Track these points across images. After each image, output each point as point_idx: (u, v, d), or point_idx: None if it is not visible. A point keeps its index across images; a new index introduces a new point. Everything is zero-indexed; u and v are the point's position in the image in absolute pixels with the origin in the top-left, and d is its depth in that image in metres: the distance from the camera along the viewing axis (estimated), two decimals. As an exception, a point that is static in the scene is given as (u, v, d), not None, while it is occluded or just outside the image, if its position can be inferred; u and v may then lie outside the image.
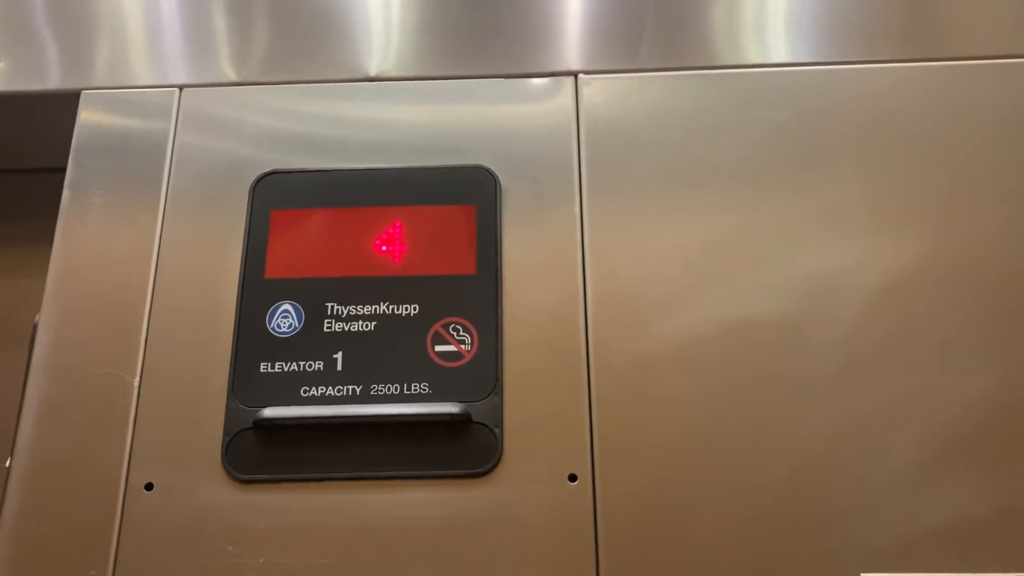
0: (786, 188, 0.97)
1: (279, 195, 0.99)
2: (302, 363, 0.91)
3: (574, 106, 1.02)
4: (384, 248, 0.96)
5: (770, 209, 0.97)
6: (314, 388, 0.90)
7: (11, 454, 0.90)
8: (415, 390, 0.90)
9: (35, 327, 0.95)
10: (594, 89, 1.03)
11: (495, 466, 0.87)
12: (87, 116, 1.05)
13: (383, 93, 1.06)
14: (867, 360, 0.90)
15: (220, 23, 1.14)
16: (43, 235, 1.01)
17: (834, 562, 0.83)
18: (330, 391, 0.90)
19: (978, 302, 0.92)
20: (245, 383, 0.90)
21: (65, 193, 1.01)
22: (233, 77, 1.08)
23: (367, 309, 0.93)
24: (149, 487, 0.88)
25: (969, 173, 0.98)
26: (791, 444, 0.87)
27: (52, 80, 1.09)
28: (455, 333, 0.92)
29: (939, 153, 0.99)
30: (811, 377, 0.89)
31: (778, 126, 1.00)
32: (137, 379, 0.92)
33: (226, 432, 0.89)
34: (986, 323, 0.91)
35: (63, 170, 1.02)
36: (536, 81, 1.04)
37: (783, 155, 0.99)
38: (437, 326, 0.92)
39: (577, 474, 0.87)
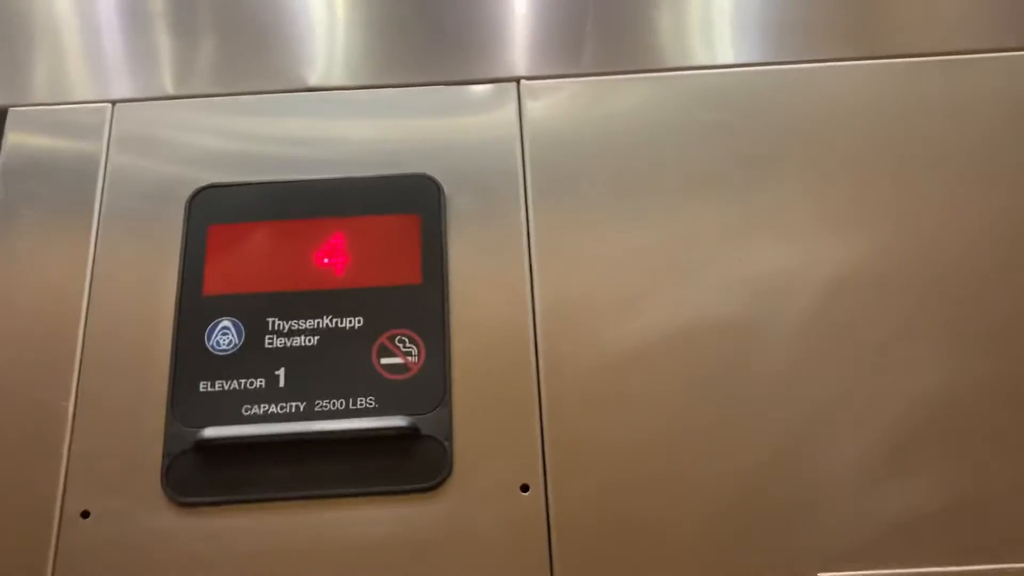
0: (732, 189, 0.97)
1: (217, 210, 0.96)
2: (243, 381, 0.89)
3: (517, 112, 1.01)
4: (326, 260, 0.94)
5: (716, 211, 0.96)
6: (256, 406, 0.88)
7: (-61, 485, 0.86)
8: (361, 404, 0.88)
9: (-36, 352, 0.92)
10: (537, 94, 1.02)
11: (445, 479, 0.85)
12: (15, 135, 1.02)
13: (323, 104, 1.04)
14: (817, 358, 0.89)
15: (158, 36, 1.12)
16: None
17: (792, 562, 0.82)
18: (273, 408, 0.88)
19: (924, 298, 0.92)
20: (184, 403, 0.87)
21: (-8, 212, 0.97)
22: (169, 91, 1.05)
23: (309, 323, 0.91)
24: (85, 515, 0.84)
25: (912, 171, 0.98)
26: (745, 445, 0.86)
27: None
28: (401, 345, 0.90)
29: (882, 152, 0.99)
30: (762, 377, 0.89)
31: (722, 127, 1.00)
32: (72, 403, 0.88)
33: (165, 454, 0.86)
34: (933, 319, 0.91)
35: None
36: (479, 88, 1.03)
37: (728, 157, 0.99)
38: (382, 338, 0.90)
39: (529, 484, 0.85)
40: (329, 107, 1.03)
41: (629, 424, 0.87)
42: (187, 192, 0.97)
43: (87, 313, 0.92)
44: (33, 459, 0.86)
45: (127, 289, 0.93)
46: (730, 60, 1.06)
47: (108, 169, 0.99)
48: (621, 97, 1.02)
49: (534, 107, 1.01)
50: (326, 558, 0.83)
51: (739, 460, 0.86)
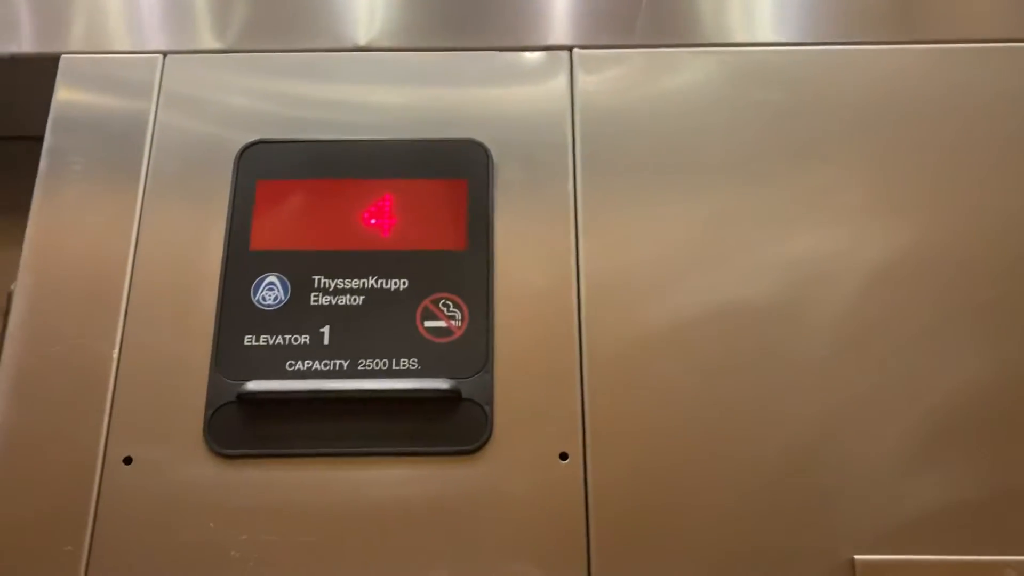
0: (779, 171, 0.96)
1: (265, 165, 0.96)
2: (288, 336, 0.89)
3: (568, 81, 1.01)
4: (373, 221, 0.94)
5: (762, 192, 0.95)
6: (300, 362, 0.88)
7: (-14, 426, 0.87)
8: (404, 365, 0.88)
9: (10, 296, 0.92)
10: (589, 64, 1.01)
11: (485, 444, 0.86)
12: (66, 82, 1.02)
13: (372, 64, 1.03)
14: (859, 343, 0.89)
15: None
16: (18, 204, 0.98)
17: (827, 545, 0.82)
18: (316, 365, 0.88)
19: (969, 286, 0.92)
20: (229, 356, 0.88)
21: (43, 161, 0.98)
22: (218, 45, 1.05)
23: (355, 283, 0.91)
24: (128, 461, 0.85)
25: (961, 157, 0.97)
26: (783, 427, 0.86)
27: (28, 43, 1.06)
28: (445, 309, 0.90)
29: (931, 137, 0.98)
30: (802, 360, 0.89)
31: (773, 108, 0.99)
32: (116, 351, 0.89)
33: (208, 406, 0.86)
34: (977, 307, 0.91)
35: (40, 139, 0.99)
36: (530, 55, 1.02)
37: (775, 136, 0.98)
38: (427, 302, 0.90)
39: (568, 452, 0.85)
40: (378, 68, 1.03)
41: (668, 400, 0.87)
42: (234, 145, 0.98)
43: (133, 263, 0.92)
44: (78, 404, 0.87)
45: (173, 241, 0.94)
46: (790, 38, 1.05)
47: (157, 121, 0.99)
48: (674, 71, 1.02)
49: (586, 77, 1.01)
50: (364, 514, 0.84)
51: (776, 442, 0.86)
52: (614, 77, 1.01)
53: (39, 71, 1.03)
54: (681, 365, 0.88)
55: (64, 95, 1.01)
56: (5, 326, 0.92)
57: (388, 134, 0.99)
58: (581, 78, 1.01)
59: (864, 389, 0.87)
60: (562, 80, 1.01)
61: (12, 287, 0.93)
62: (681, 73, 1.01)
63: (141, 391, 0.88)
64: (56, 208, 0.96)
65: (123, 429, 0.86)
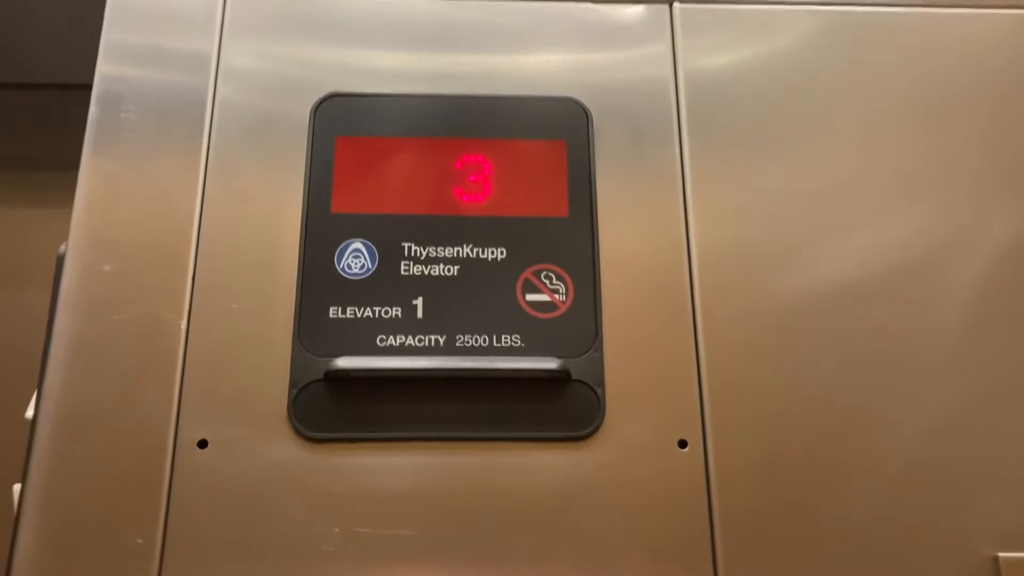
0: (897, 137, 0.90)
1: (345, 120, 0.87)
2: (377, 308, 0.81)
3: (670, 37, 0.93)
4: (466, 184, 0.85)
5: (884, 159, 0.89)
6: (392, 337, 0.80)
7: (36, 403, 0.78)
8: (505, 342, 0.81)
9: (60, 258, 0.83)
10: (692, 20, 0.94)
11: (597, 429, 0.79)
12: (116, 18, 0.91)
13: (460, 11, 0.94)
14: (993, 321, 0.84)
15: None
16: (63, 158, 0.88)
17: (968, 542, 0.77)
18: (410, 341, 0.80)
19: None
20: (313, 330, 0.80)
21: (93, 109, 0.88)
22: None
23: (449, 251, 0.83)
24: (203, 444, 0.77)
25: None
26: (918, 413, 0.80)
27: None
28: (547, 281, 0.83)
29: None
30: (934, 342, 0.83)
31: (890, 70, 0.92)
32: (184, 321, 0.80)
33: (293, 384, 0.78)
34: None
35: (86, 87, 0.88)
36: (628, 8, 0.94)
37: (892, 102, 0.91)
38: (527, 273, 0.83)
39: (688, 440, 0.79)
40: (466, 15, 0.94)
41: (793, 384, 0.81)
42: (310, 95, 0.88)
43: (200, 222, 0.83)
44: (144, 380, 0.78)
45: (245, 198, 0.85)
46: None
47: (221, 66, 0.89)
48: (782, 28, 0.94)
49: (688, 33, 0.93)
50: (464, 505, 0.76)
51: (908, 432, 0.80)
52: (719, 33, 0.93)
53: (85, 8, 0.92)
54: (804, 346, 0.82)
55: (114, 34, 0.90)
56: (55, 292, 0.82)
57: (477, 88, 0.90)
58: (682, 34, 0.93)
59: (1002, 371, 0.82)
60: (663, 36, 0.93)
61: (62, 248, 0.83)
62: (792, 32, 0.94)
63: (215, 367, 0.79)
64: (109, 162, 0.86)
65: (196, 409, 0.78)
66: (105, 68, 0.89)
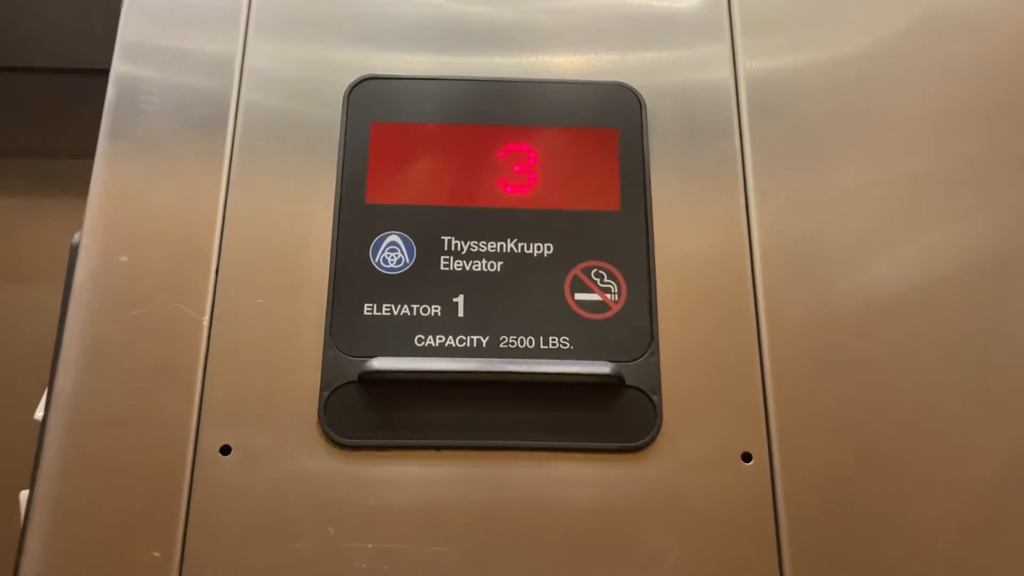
0: (973, 128, 0.84)
1: (380, 105, 0.82)
2: (416, 306, 0.75)
3: (727, 18, 0.87)
4: (510, 175, 0.79)
5: (958, 151, 0.83)
6: (431, 337, 0.74)
7: (46, 404, 0.72)
8: (553, 344, 0.74)
9: (74, 249, 0.77)
10: (752, 4, 0.87)
11: (653, 439, 0.72)
12: (134, 10, 0.86)
13: (499, 6, 0.88)
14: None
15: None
16: (77, 144, 0.82)
17: (1062, 566, 0.70)
18: (450, 341, 0.74)
19: None
20: (346, 328, 0.74)
21: (110, 91, 0.82)
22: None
23: (491, 246, 0.77)
24: (226, 451, 0.71)
25: None
26: (1004, 425, 0.74)
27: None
28: (598, 280, 0.76)
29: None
30: (1019, 343, 0.76)
31: (963, 60, 0.86)
32: (207, 317, 0.74)
33: (323, 387, 0.72)
34: None
35: (103, 72, 0.83)
36: (683, -9, 0.88)
37: (967, 92, 0.85)
38: (576, 270, 0.77)
39: (752, 453, 0.72)
40: (504, 11, 0.88)
41: (867, 393, 0.74)
42: (343, 77, 0.83)
43: (224, 212, 0.78)
44: (163, 380, 0.72)
45: (272, 187, 0.79)
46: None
47: (248, 41, 0.84)
48: (849, 11, 0.88)
49: (748, 19, 0.87)
50: (508, 521, 0.70)
51: (997, 443, 0.73)
52: (782, 15, 0.87)
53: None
54: (879, 350, 0.75)
55: (134, 12, 0.85)
56: (68, 285, 0.76)
57: (521, 72, 0.84)
58: (742, 22, 0.87)
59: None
60: (721, 24, 0.87)
61: (76, 238, 0.78)
62: (862, 15, 0.87)
63: (239, 367, 0.73)
64: (127, 148, 0.80)
65: (219, 412, 0.72)
66: (124, 44, 0.83)
